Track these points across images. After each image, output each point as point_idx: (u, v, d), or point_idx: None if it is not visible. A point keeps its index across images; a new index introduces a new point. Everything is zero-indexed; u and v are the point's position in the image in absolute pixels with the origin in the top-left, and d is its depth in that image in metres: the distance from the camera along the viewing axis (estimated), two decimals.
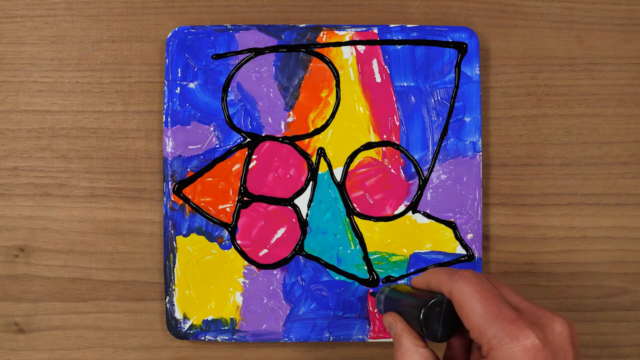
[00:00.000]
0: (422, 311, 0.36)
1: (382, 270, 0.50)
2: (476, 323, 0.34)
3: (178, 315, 0.50)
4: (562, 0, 0.52)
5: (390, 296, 0.41)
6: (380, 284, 0.50)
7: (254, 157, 0.50)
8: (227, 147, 0.50)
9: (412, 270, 0.50)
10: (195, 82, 0.50)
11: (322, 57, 0.50)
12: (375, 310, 0.50)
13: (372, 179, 0.50)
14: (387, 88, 0.51)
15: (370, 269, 0.50)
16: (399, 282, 0.50)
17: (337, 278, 0.50)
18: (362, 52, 0.51)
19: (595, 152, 0.52)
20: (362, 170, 0.50)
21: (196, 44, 0.50)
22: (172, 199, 0.50)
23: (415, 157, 0.50)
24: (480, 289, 0.35)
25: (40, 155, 0.51)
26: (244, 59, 0.50)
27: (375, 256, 0.50)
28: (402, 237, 0.50)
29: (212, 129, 0.50)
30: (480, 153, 0.50)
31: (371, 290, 0.49)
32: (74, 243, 0.51)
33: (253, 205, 0.50)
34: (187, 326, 0.50)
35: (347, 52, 0.50)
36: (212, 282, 0.50)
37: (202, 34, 0.50)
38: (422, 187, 0.50)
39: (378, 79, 0.51)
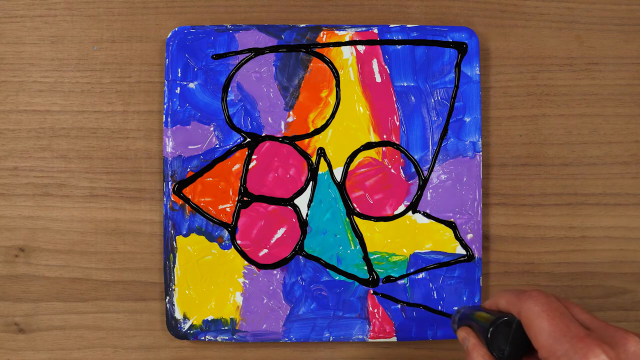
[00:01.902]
0: (490, 330, 0.37)
1: (382, 270, 0.50)
2: (544, 342, 0.34)
3: (178, 315, 0.50)
4: (562, 0, 0.52)
5: (465, 313, 0.42)
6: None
7: (254, 157, 0.50)
8: (227, 147, 0.50)
9: (412, 270, 0.50)
10: (195, 82, 0.50)
11: (322, 57, 0.50)
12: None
13: (372, 179, 0.50)
14: (387, 88, 0.51)
15: (370, 269, 0.50)
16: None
17: (337, 278, 0.50)
18: (362, 52, 0.51)
19: (595, 152, 0.52)
20: (362, 170, 0.50)
21: (196, 44, 0.50)
22: (172, 199, 0.50)
23: (415, 157, 0.50)
24: (548, 307, 0.35)
25: (40, 155, 0.51)
26: (244, 59, 0.50)
27: (375, 256, 0.50)
28: (402, 237, 0.50)
29: (212, 129, 0.50)
30: (480, 153, 0.50)
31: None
32: (74, 243, 0.51)
33: (253, 205, 0.50)
34: (187, 326, 0.50)
35: (347, 52, 0.50)
36: (212, 282, 0.50)
37: (202, 34, 0.50)
38: (422, 187, 0.50)
39: (378, 79, 0.51)
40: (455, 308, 0.49)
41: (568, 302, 0.37)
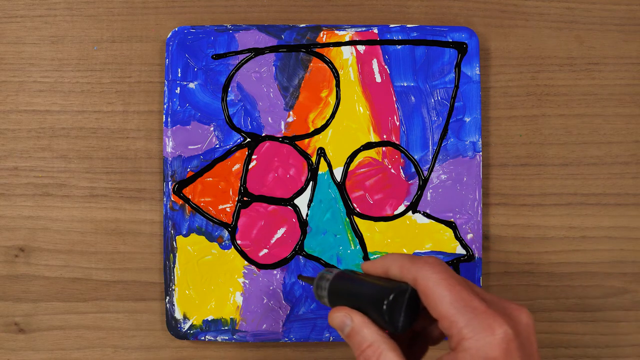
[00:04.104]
0: (387, 301, 0.34)
1: None
2: (445, 312, 0.33)
3: (178, 315, 0.50)
4: (562, 0, 0.52)
5: (338, 285, 0.37)
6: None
7: (254, 157, 0.50)
8: (227, 147, 0.50)
9: None
10: (195, 82, 0.50)
11: (322, 57, 0.50)
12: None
13: (372, 179, 0.50)
14: (387, 88, 0.51)
15: None
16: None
17: None
18: (362, 52, 0.51)
19: (595, 152, 0.52)
20: (362, 170, 0.50)
21: (196, 44, 0.50)
22: (172, 199, 0.50)
23: (415, 157, 0.50)
24: (447, 276, 0.34)
25: (40, 155, 0.51)
26: (244, 59, 0.50)
27: (376, 256, 0.50)
28: (402, 237, 0.50)
29: (212, 129, 0.50)
30: (480, 153, 0.50)
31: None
32: (74, 243, 0.51)
33: (253, 205, 0.50)
34: (187, 326, 0.50)
35: (347, 52, 0.50)
36: (212, 282, 0.50)
37: (202, 34, 0.50)
38: (422, 187, 0.50)
39: (378, 79, 0.51)
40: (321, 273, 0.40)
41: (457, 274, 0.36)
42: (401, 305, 0.34)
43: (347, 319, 0.35)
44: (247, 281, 0.50)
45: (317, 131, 0.50)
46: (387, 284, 0.35)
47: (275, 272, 0.50)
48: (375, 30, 0.50)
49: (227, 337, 0.50)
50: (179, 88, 0.50)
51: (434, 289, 0.33)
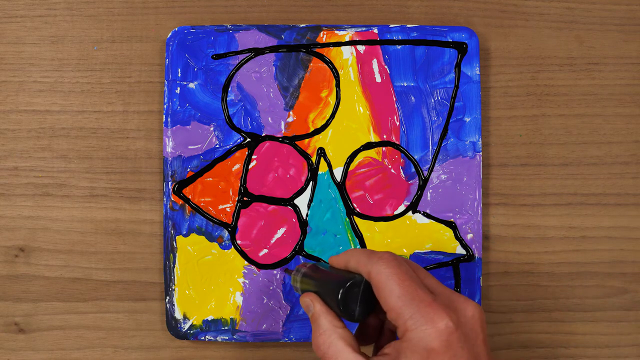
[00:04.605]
0: (341, 292, 0.36)
1: None
2: (393, 305, 0.35)
3: (178, 315, 0.50)
4: (562, 0, 0.52)
5: (308, 275, 0.41)
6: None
7: (254, 157, 0.50)
8: (227, 147, 0.50)
9: None
10: (195, 82, 0.50)
11: (322, 57, 0.50)
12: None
13: (372, 179, 0.50)
14: (387, 88, 0.51)
15: None
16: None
17: None
18: (362, 52, 0.51)
19: (595, 152, 0.52)
20: (362, 170, 0.50)
21: (196, 44, 0.50)
22: (172, 199, 0.50)
23: (415, 157, 0.50)
24: (398, 271, 0.36)
25: (40, 155, 0.51)
26: (244, 59, 0.50)
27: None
28: (402, 237, 0.50)
29: (212, 129, 0.50)
30: (480, 153, 0.50)
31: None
32: (74, 243, 0.51)
33: (253, 205, 0.50)
34: (187, 326, 0.50)
35: (347, 52, 0.50)
36: (212, 282, 0.50)
37: (202, 34, 0.50)
38: (422, 187, 0.50)
39: (378, 79, 0.51)
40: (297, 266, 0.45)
41: (415, 265, 0.38)
42: (356, 296, 0.37)
43: (310, 305, 0.39)
44: (247, 281, 0.50)
45: (317, 131, 0.50)
46: (346, 276, 0.37)
47: (275, 272, 0.50)
48: (375, 30, 0.50)
49: (227, 337, 0.50)
50: (179, 88, 0.50)
51: (384, 283, 0.35)
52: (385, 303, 0.35)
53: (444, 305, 0.35)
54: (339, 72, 0.50)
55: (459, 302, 0.36)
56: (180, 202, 0.50)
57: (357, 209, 0.50)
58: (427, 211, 0.50)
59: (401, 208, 0.50)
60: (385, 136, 0.50)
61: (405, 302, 0.35)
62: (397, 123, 0.50)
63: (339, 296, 0.36)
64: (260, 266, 0.50)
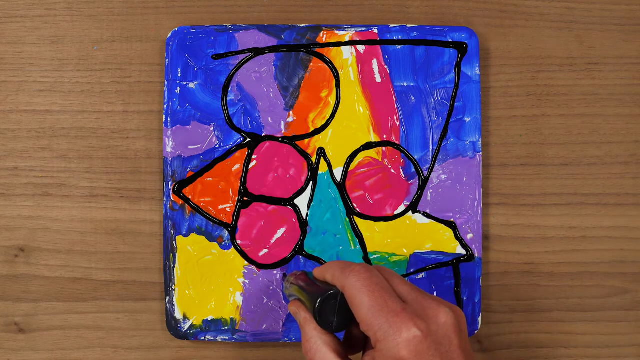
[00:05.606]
0: (316, 304, 0.38)
1: None
2: (364, 317, 0.36)
3: (178, 315, 0.50)
4: (562, 0, 0.52)
5: (296, 284, 0.42)
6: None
7: (254, 157, 0.50)
8: (227, 147, 0.50)
9: (412, 270, 0.50)
10: (195, 82, 0.50)
11: (322, 57, 0.50)
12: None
13: (372, 179, 0.50)
14: (387, 88, 0.51)
15: None
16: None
17: None
18: (362, 52, 0.51)
19: (595, 152, 0.52)
20: (362, 170, 0.50)
21: (196, 44, 0.50)
22: (172, 199, 0.50)
23: (415, 157, 0.50)
24: (369, 283, 0.36)
25: (40, 155, 0.51)
26: (244, 59, 0.50)
27: (375, 256, 0.50)
28: (402, 237, 0.50)
29: (212, 129, 0.50)
30: (480, 153, 0.50)
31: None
32: (74, 243, 0.51)
33: (253, 205, 0.50)
34: (187, 326, 0.50)
35: (347, 52, 0.50)
36: (212, 282, 0.50)
37: (202, 34, 0.50)
38: (422, 187, 0.50)
39: (378, 79, 0.51)
40: (287, 273, 0.48)
41: (391, 273, 0.39)
42: (333, 308, 0.38)
43: (297, 314, 0.40)
44: (247, 281, 0.50)
45: (317, 131, 0.50)
46: (325, 288, 0.39)
47: (275, 272, 0.50)
48: (375, 30, 0.50)
49: (227, 337, 0.50)
50: (179, 88, 0.50)
51: (356, 295, 0.36)
52: (357, 315, 0.36)
53: (413, 314, 0.35)
54: (339, 72, 0.50)
55: (431, 309, 0.36)
56: (180, 202, 0.50)
57: (357, 209, 0.50)
58: (427, 211, 0.50)
59: (401, 208, 0.50)
60: (385, 136, 0.50)
61: (374, 314, 0.35)
62: (397, 123, 0.50)
63: (314, 309, 0.38)
64: (260, 266, 0.50)
